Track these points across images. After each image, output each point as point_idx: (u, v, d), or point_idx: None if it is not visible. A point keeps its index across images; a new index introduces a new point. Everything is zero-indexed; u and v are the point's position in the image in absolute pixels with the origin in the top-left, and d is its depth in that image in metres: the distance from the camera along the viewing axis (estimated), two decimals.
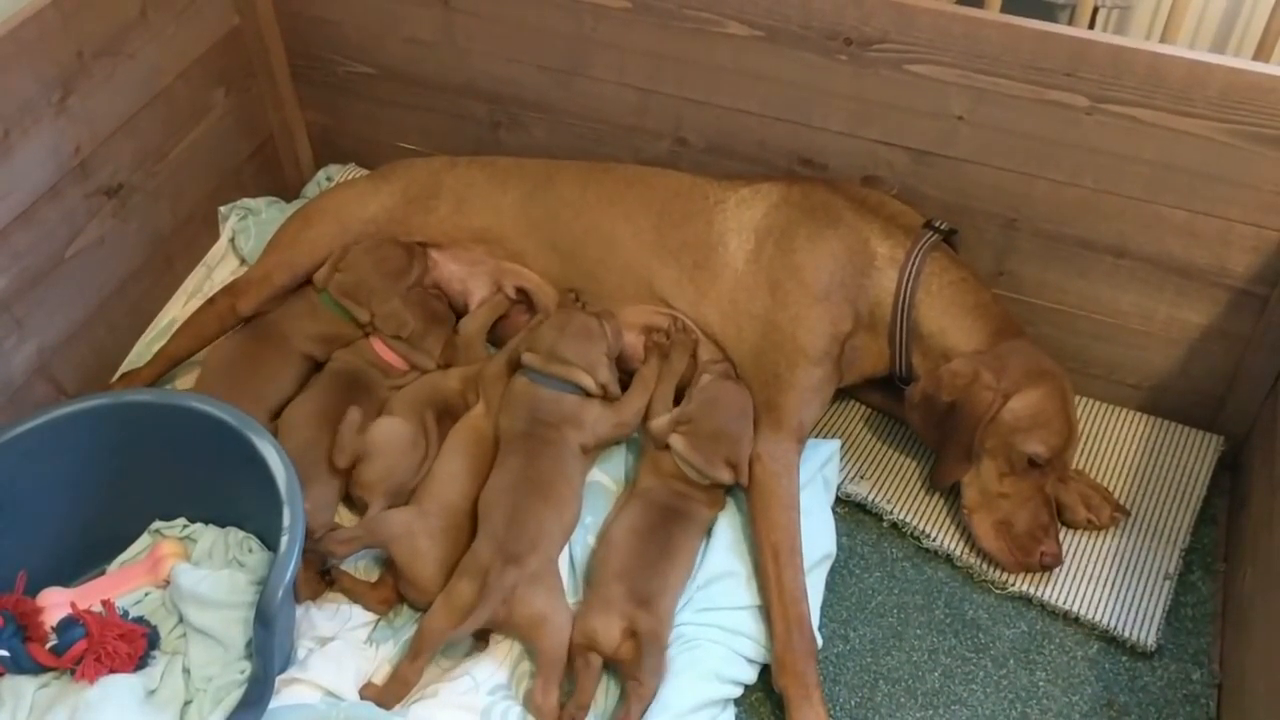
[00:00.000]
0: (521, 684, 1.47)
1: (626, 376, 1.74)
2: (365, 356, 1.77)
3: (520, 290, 1.86)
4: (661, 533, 1.54)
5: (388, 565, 1.56)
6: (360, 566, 1.61)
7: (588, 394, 1.66)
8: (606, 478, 1.71)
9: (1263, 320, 1.68)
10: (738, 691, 1.49)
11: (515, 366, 1.71)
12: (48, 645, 1.43)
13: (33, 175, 1.64)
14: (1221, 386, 1.78)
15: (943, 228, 1.69)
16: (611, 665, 1.46)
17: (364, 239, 1.84)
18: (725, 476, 1.60)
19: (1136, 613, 1.59)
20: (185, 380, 1.82)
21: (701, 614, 1.51)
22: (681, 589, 1.53)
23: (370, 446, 1.59)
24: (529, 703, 1.41)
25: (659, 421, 1.64)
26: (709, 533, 1.62)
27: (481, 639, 1.49)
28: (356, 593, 1.56)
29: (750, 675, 1.50)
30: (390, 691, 1.42)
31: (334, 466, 1.60)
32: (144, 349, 1.89)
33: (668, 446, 1.62)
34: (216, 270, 2.03)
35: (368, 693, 1.43)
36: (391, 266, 1.81)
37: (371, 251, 1.81)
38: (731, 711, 1.48)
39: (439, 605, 1.45)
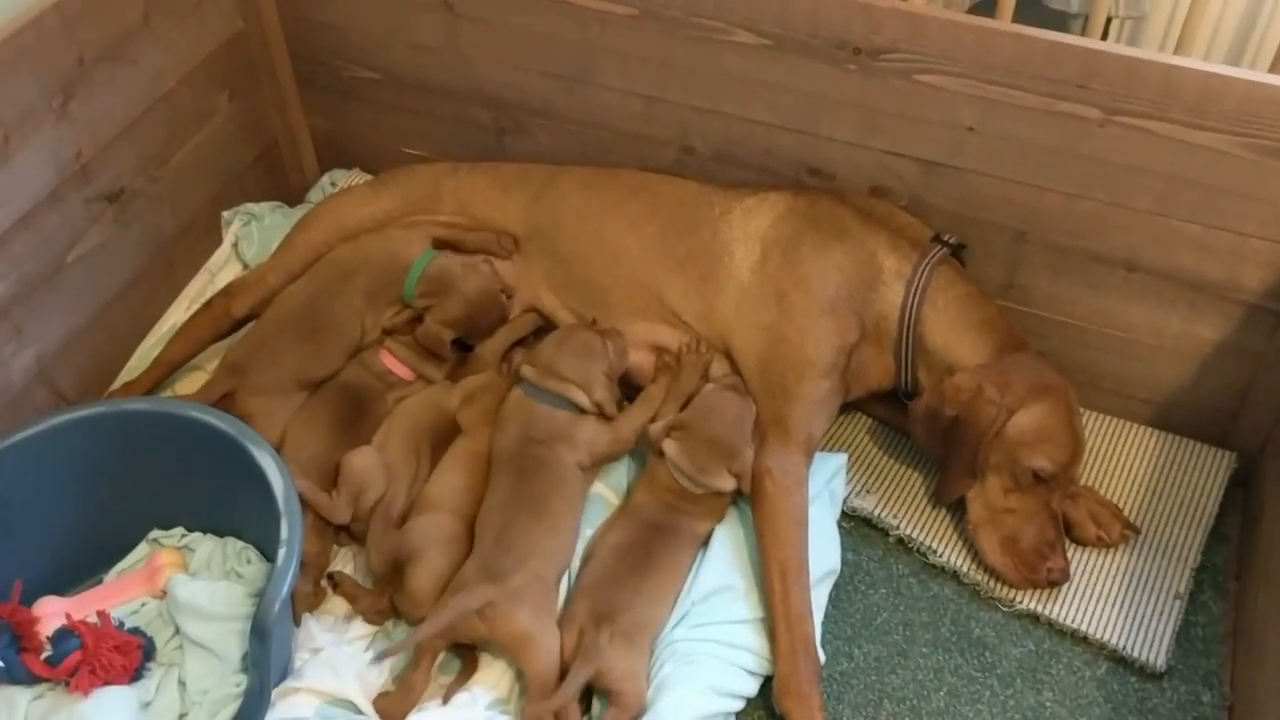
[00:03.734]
0: (520, 699, 1.45)
1: (635, 393, 1.72)
2: (372, 369, 1.75)
3: (533, 310, 1.85)
4: (641, 549, 1.52)
5: (382, 577, 1.55)
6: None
7: (582, 411, 1.63)
8: (608, 490, 1.69)
9: (1276, 336, 1.65)
10: (738, 705, 1.47)
11: (510, 383, 1.69)
12: (42, 656, 1.42)
13: (33, 181, 1.63)
14: (1234, 402, 1.75)
15: (951, 242, 1.68)
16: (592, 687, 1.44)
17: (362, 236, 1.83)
18: (721, 484, 1.58)
19: (1146, 632, 1.57)
20: (184, 385, 1.81)
21: (698, 629, 1.49)
22: (665, 603, 1.51)
23: (356, 484, 1.56)
24: None
25: (655, 426, 1.63)
26: (705, 545, 1.60)
27: (469, 661, 1.47)
28: (355, 597, 1.54)
29: (750, 688, 1.48)
30: (399, 700, 1.41)
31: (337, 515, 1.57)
32: (145, 355, 1.87)
33: (663, 453, 1.60)
34: (219, 276, 2.02)
35: (379, 704, 1.41)
36: (488, 306, 1.77)
37: (488, 282, 1.77)
38: None
39: (430, 619, 1.43)
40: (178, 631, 1.48)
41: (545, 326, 1.83)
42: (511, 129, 2.02)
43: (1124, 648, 1.55)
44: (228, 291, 1.82)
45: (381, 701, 1.42)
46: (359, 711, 1.41)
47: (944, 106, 1.65)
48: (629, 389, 1.74)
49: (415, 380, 1.76)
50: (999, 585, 1.63)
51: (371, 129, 2.16)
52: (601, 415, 1.64)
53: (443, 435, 1.68)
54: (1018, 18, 1.82)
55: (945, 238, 1.68)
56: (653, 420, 1.66)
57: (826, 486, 1.67)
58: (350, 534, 1.61)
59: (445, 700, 1.42)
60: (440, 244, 1.84)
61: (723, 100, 1.80)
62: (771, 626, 1.49)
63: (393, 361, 1.75)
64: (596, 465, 1.66)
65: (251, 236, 2.04)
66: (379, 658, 1.46)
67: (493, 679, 1.45)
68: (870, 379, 1.70)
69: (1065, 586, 1.61)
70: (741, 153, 1.85)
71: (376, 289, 1.77)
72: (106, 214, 1.78)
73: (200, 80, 1.93)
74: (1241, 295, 1.65)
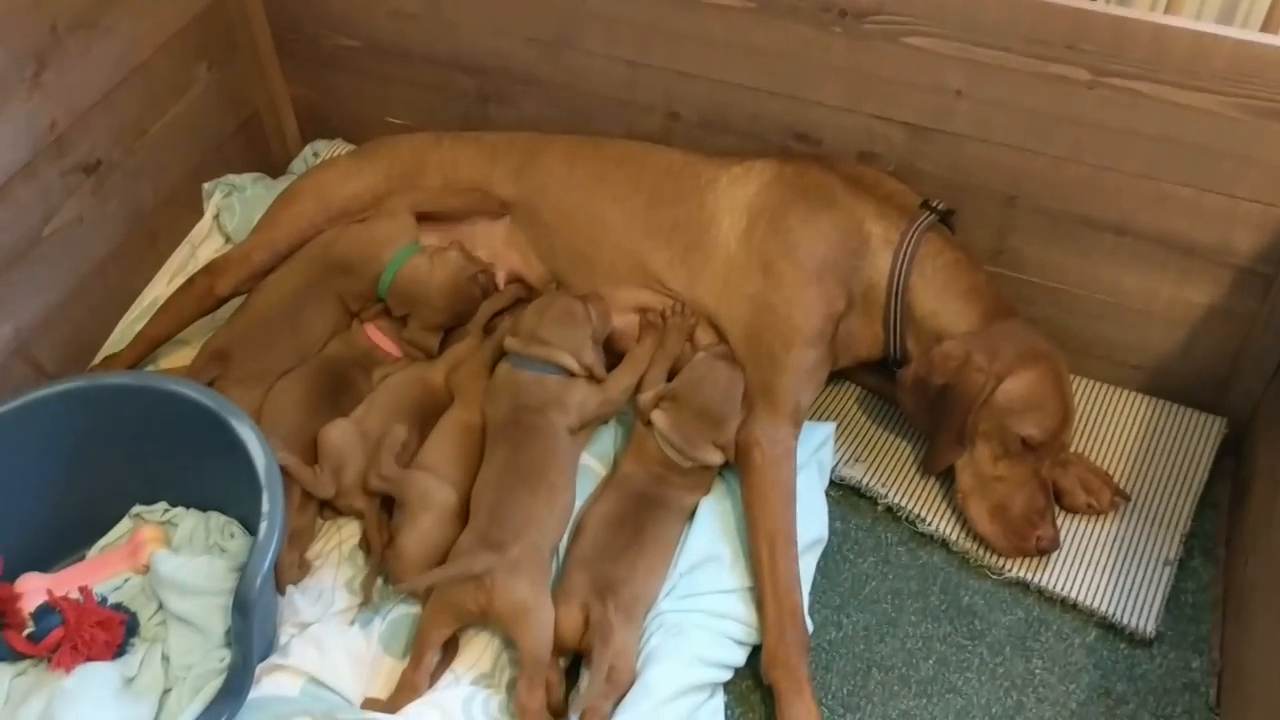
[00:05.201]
0: (504, 673, 1.44)
1: (619, 359, 1.70)
2: (357, 346, 1.73)
3: (517, 279, 1.83)
4: (633, 521, 1.51)
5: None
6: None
7: (571, 375, 1.62)
8: (594, 461, 1.68)
9: (1268, 300, 1.64)
10: (726, 675, 1.47)
11: (495, 359, 1.67)
12: (24, 633, 1.41)
13: (6, 153, 1.60)
14: (1225, 368, 1.74)
15: (939, 208, 1.66)
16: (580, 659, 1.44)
17: (347, 216, 1.80)
18: (709, 457, 1.56)
19: (1135, 599, 1.56)
20: (168, 361, 1.79)
21: (685, 600, 1.49)
22: (657, 577, 1.50)
23: (334, 458, 1.55)
24: (514, 701, 1.37)
25: (645, 395, 1.61)
26: (691, 516, 1.59)
27: (450, 646, 1.45)
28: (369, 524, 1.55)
29: (738, 658, 1.48)
30: (399, 701, 1.38)
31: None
32: (127, 329, 1.86)
33: (651, 423, 1.58)
34: (201, 248, 2.00)
35: (375, 707, 1.39)
36: (464, 301, 1.74)
37: (457, 274, 1.73)
38: (720, 697, 1.45)
39: (429, 605, 1.43)
40: (161, 607, 1.47)
41: (527, 298, 1.81)
42: (495, 96, 1.99)
43: (1113, 615, 1.55)
44: (211, 269, 1.79)
45: (377, 705, 1.39)
46: (345, 697, 1.40)
47: (931, 70, 1.63)
48: (613, 355, 1.72)
49: (402, 357, 1.74)
50: (988, 553, 1.62)
51: (354, 98, 2.13)
52: (591, 378, 1.63)
53: (428, 412, 1.66)
54: None
55: (934, 204, 1.66)
56: (640, 380, 1.65)
57: (814, 455, 1.66)
58: (334, 508, 1.60)
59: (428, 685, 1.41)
60: (428, 215, 1.82)
61: (707, 65, 1.78)
62: (759, 597, 1.49)
63: (379, 337, 1.74)
64: (585, 428, 1.65)
65: (233, 208, 2.01)
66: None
67: (473, 657, 1.45)
68: (858, 348, 1.68)
69: (1055, 554, 1.60)
70: (727, 118, 1.82)
71: (355, 293, 1.75)
72: (83, 186, 1.76)
73: (177, 49, 1.90)
74: (1233, 259, 1.63)
